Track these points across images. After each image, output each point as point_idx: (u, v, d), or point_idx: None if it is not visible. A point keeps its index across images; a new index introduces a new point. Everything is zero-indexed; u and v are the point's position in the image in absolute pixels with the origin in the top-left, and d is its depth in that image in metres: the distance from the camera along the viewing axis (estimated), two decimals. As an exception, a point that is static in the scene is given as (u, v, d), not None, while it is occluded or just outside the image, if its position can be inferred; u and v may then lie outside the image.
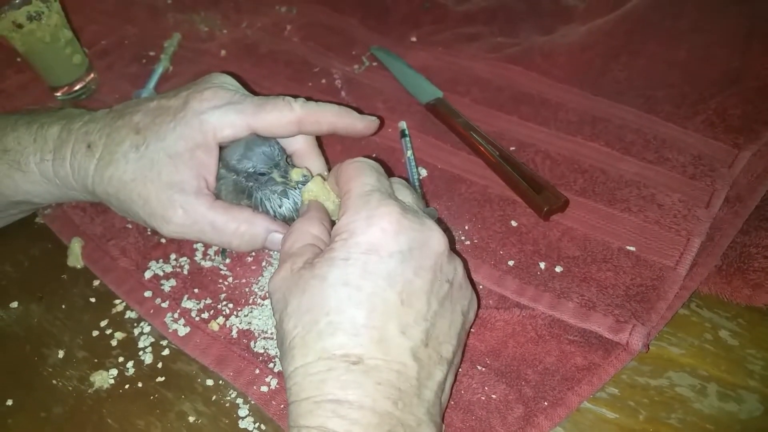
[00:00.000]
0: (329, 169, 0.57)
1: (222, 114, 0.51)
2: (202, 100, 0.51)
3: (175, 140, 0.50)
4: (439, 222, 0.49)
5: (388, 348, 0.39)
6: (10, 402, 0.51)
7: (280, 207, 0.53)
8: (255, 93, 0.55)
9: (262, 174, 0.52)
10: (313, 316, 0.40)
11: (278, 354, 0.52)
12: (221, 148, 0.53)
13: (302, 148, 0.56)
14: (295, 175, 0.53)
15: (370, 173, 0.45)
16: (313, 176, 0.52)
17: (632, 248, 0.56)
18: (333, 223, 0.48)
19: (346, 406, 0.38)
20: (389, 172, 0.52)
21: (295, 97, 0.53)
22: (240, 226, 0.51)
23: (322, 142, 0.59)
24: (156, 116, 0.52)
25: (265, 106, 0.51)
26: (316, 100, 0.54)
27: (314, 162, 0.56)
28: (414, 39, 0.84)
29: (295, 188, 0.53)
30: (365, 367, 0.39)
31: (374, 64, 0.80)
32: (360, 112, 0.56)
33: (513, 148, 0.66)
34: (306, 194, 0.51)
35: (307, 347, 0.39)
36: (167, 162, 0.50)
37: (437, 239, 0.43)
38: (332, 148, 0.68)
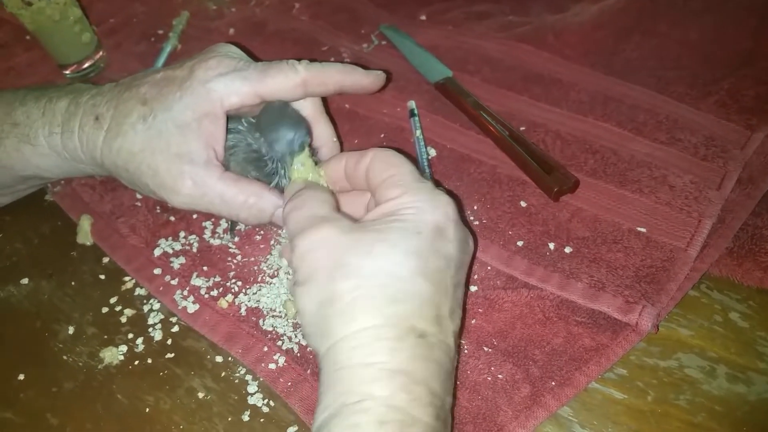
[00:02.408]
0: (338, 137, 0.57)
1: (228, 81, 0.50)
2: (208, 68, 0.51)
3: (182, 110, 0.50)
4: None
5: (441, 327, 0.40)
6: (21, 376, 0.52)
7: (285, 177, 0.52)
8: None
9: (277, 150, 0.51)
10: (380, 279, 0.39)
11: (287, 333, 0.52)
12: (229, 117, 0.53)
13: (310, 114, 0.55)
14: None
15: (410, 163, 0.46)
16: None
17: (643, 229, 0.55)
18: None
19: (412, 380, 0.38)
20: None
21: (299, 59, 0.53)
22: (249, 199, 0.51)
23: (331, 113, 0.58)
24: (162, 87, 0.51)
25: (270, 70, 0.51)
26: (321, 61, 0.53)
27: (322, 128, 0.56)
28: (423, 17, 0.83)
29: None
30: (428, 342, 0.39)
31: (383, 42, 0.80)
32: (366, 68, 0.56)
33: (523, 128, 0.66)
34: (294, 173, 0.50)
35: (376, 309, 0.39)
36: (175, 132, 0.50)
37: (472, 240, 0.46)
38: (341, 128, 0.67)
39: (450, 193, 0.45)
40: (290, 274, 0.55)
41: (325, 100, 0.58)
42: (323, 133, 0.56)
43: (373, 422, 0.36)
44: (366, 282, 0.39)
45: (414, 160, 0.52)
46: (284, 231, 0.59)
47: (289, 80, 0.51)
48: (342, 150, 0.58)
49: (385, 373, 0.37)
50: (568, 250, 0.55)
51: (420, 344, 0.39)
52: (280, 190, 0.52)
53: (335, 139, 0.56)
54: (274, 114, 0.52)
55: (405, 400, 0.37)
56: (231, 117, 0.52)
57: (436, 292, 0.41)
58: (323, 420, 0.37)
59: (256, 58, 0.56)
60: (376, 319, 0.38)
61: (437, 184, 0.60)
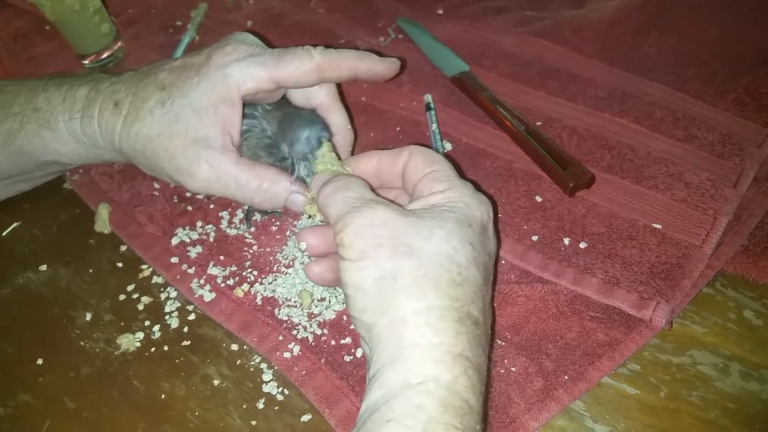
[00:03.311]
0: (352, 124, 0.57)
1: (244, 67, 0.51)
2: (224, 54, 0.52)
3: (200, 95, 0.51)
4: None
5: (484, 317, 0.41)
6: (40, 361, 0.53)
7: (308, 167, 0.53)
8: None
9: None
10: (441, 262, 0.40)
11: (302, 322, 0.52)
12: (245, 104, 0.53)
13: (325, 101, 0.55)
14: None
15: (447, 161, 0.47)
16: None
17: (658, 226, 0.55)
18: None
19: (471, 366, 0.38)
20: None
21: (314, 45, 0.53)
22: (263, 184, 0.51)
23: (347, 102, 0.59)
24: (180, 73, 0.52)
25: (285, 56, 0.52)
26: (336, 47, 0.54)
27: (337, 115, 0.56)
28: (441, 11, 0.83)
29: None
30: (480, 330, 0.40)
31: (400, 36, 0.80)
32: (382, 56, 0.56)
33: (539, 123, 0.66)
34: (319, 166, 0.51)
35: (441, 290, 0.39)
36: (193, 117, 0.51)
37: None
38: (357, 121, 0.67)
39: (486, 195, 0.46)
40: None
41: (340, 90, 0.58)
42: (337, 120, 0.56)
43: (436, 405, 0.36)
44: (428, 263, 0.40)
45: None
46: (300, 221, 0.60)
47: (305, 65, 0.51)
48: (356, 139, 0.58)
49: (450, 356, 0.38)
50: (583, 245, 0.55)
51: (474, 331, 0.39)
52: (297, 179, 0.52)
53: (349, 127, 0.56)
54: (290, 117, 0.53)
55: (464, 385, 0.37)
56: (246, 103, 0.53)
57: (484, 283, 0.42)
58: (382, 395, 0.37)
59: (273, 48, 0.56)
60: (442, 299, 0.39)
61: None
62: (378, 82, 0.65)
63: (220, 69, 0.51)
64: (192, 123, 0.51)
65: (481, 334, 0.40)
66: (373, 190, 0.46)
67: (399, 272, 0.39)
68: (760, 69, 0.68)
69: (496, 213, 0.52)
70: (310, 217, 0.52)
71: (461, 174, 0.48)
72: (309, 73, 0.52)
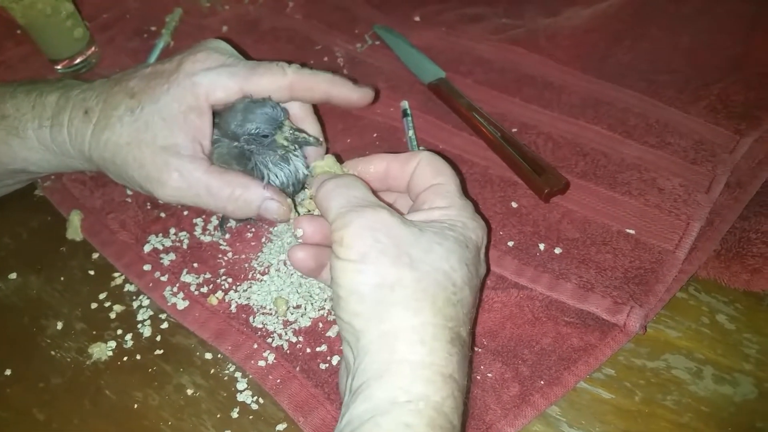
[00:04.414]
0: (325, 137, 0.57)
1: (214, 76, 0.50)
2: (195, 61, 0.51)
3: (169, 102, 0.50)
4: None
5: (470, 340, 0.42)
6: (8, 372, 0.52)
7: (280, 171, 0.52)
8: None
9: (265, 136, 0.51)
10: (439, 279, 0.39)
11: (277, 330, 0.52)
12: (216, 113, 0.52)
13: (297, 113, 0.55)
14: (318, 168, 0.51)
15: (456, 175, 0.47)
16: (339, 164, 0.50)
17: (632, 231, 0.56)
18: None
19: (458, 388, 0.38)
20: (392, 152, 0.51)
21: (290, 62, 0.52)
22: (235, 191, 0.50)
23: (321, 117, 0.58)
24: (150, 80, 0.52)
25: (258, 69, 0.51)
26: (311, 67, 0.53)
27: (309, 128, 0.55)
28: (417, 18, 0.84)
29: (296, 153, 0.53)
30: (466, 352, 0.40)
31: (377, 42, 0.80)
32: (356, 82, 0.55)
33: (515, 130, 0.66)
34: (318, 169, 0.50)
35: (437, 307, 0.39)
36: (162, 125, 0.50)
37: None
38: (333, 127, 0.68)
39: (483, 218, 0.46)
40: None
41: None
42: (310, 132, 0.55)
43: (424, 425, 0.36)
44: (427, 277, 0.39)
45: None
46: (276, 227, 0.59)
47: (276, 81, 0.51)
48: (328, 150, 0.57)
49: (441, 377, 0.37)
50: (558, 251, 0.55)
51: (462, 353, 0.39)
52: (269, 185, 0.52)
53: (321, 139, 0.56)
54: (240, 106, 0.51)
55: (451, 407, 0.37)
56: (217, 112, 0.52)
57: (473, 306, 0.42)
58: (367, 410, 0.36)
59: (247, 57, 0.56)
60: (436, 318, 0.38)
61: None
62: (350, 109, 0.64)
63: (190, 76, 0.50)
64: (161, 131, 0.50)
65: (467, 355, 0.40)
66: (374, 193, 0.45)
67: (399, 283, 0.39)
68: (732, 76, 0.69)
69: (489, 239, 0.51)
70: (309, 212, 0.51)
71: (465, 191, 0.48)
72: (280, 90, 0.51)
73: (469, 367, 0.42)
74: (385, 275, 0.39)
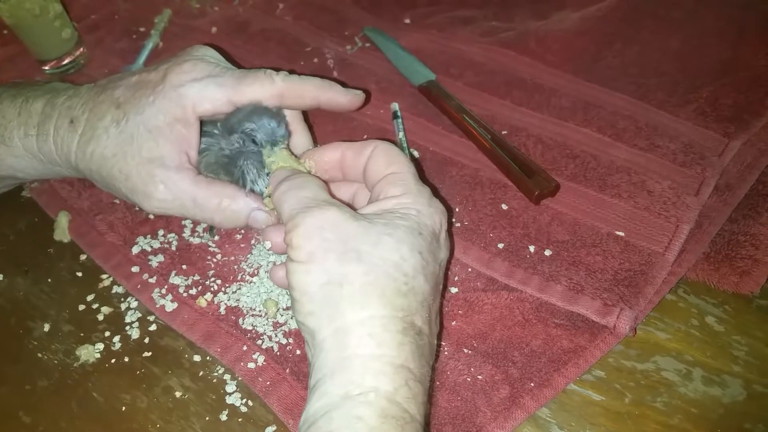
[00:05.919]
0: (315, 141, 0.56)
1: (201, 87, 0.50)
2: (181, 72, 0.50)
3: (154, 114, 0.49)
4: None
5: (430, 327, 0.41)
6: (-6, 374, 0.51)
7: (258, 178, 0.51)
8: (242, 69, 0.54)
9: (255, 143, 0.50)
10: (388, 270, 0.39)
11: (267, 332, 0.52)
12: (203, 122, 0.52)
13: (288, 121, 0.54)
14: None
15: (410, 162, 0.47)
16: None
17: (621, 233, 0.56)
18: None
19: (412, 377, 0.38)
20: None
21: (277, 70, 0.52)
22: (222, 202, 0.50)
23: (310, 120, 0.58)
24: (136, 90, 0.51)
25: (246, 79, 0.50)
26: (300, 74, 0.53)
27: (300, 137, 0.55)
28: (408, 21, 0.84)
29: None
30: (423, 341, 0.40)
31: (367, 45, 0.80)
32: (345, 86, 0.55)
33: (505, 132, 0.66)
34: (274, 165, 0.49)
35: (386, 299, 0.38)
36: (147, 137, 0.49)
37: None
38: (323, 128, 0.67)
39: (443, 201, 0.46)
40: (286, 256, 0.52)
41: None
42: (300, 141, 0.55)
43: (376, 416, 0.36)
44: (375, 270, 0.39)
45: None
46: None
47: (265, 90, 0.50)
48: None
49: (391, 368, 0.37)
50: (547, 252, 0.55)
51: (418, 342, 0.39)
52: (255, 194, 0.51)
53: (311, 148, 0.55)
54: (250, 107, 0.51)
55: (405, 396, 0.37)
56: (204, 121, 0.52)
57: (430, 293, 0.41)
58: (322, 406, 0.37)
59: (234, 62, 0.55)
60: (386, 309, 0.38)
61: (433, 189, 0.60)
62: (341, 113, 0.64)
63: (176, 88, 0.50)
64: (146, 142, 0.49)
65: (425, 345, 0.40)
66: (329, 191, 0.45)
67: (346, 278, 0.39)
68: (721, 80, 0.69)
69: (450, 221, 0.51)
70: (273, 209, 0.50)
71: (422, 177, 0.48)
72: (269, 99, 0.51)
73: (435, 355, 0.42)
74: (332, 273, 0.39)
